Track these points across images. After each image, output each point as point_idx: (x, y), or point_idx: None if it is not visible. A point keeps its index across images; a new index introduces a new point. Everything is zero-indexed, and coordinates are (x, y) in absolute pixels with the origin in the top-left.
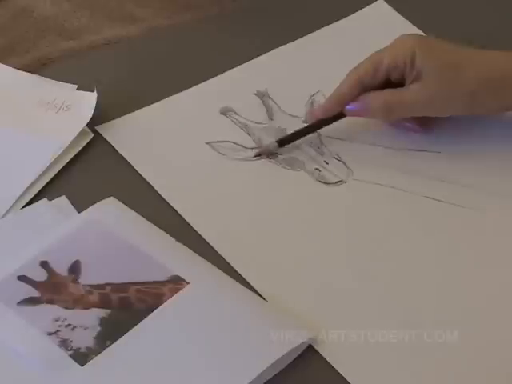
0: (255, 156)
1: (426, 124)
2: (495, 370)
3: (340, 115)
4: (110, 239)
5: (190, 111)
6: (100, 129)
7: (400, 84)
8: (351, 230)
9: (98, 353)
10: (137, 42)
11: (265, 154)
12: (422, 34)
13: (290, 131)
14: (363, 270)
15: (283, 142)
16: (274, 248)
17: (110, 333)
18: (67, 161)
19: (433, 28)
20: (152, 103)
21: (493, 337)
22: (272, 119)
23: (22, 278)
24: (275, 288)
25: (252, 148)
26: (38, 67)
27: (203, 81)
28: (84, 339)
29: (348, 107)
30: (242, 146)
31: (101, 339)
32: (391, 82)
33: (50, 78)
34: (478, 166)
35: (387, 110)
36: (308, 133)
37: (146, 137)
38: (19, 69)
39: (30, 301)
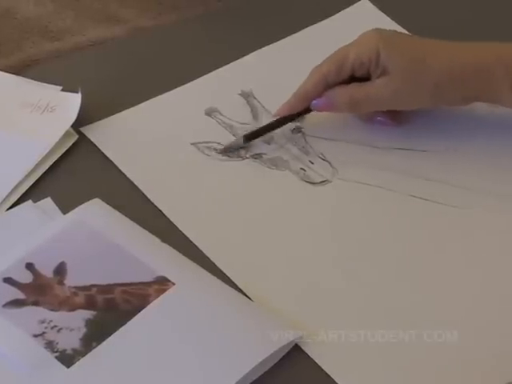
0: (222, 152)
1: (397, 118)
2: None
3: (306, 110)
4: (95, 240)
5: (175, 112)
6: (85, 130)
7: (365, 79)
8: (337, 230)
9: (84, 354)
10: (121, 42)
11: (232, 149)
12: (407, 32)
13: (274, 131)
14: (349, 269)
15: (250, 136)
16: (260, 248)
17: (95, 334)
18: (52, 162)
19: (417, 26)
20: (137, 104)
21: (481, 336)
22: (257, 119)
23: (8, 280)
24: (261, 288)
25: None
26: (22, 68)
27: (188, 81)
28: (70, 341)
29: (314, 102)
30: None
31: (87, 341)
32: (356, 77)
33: (34, 79)
34: (463, 165)
35: (353, 105)
36: (274, 128)
37: (131, 138)
38: (3, 70)
39: (16, 303)
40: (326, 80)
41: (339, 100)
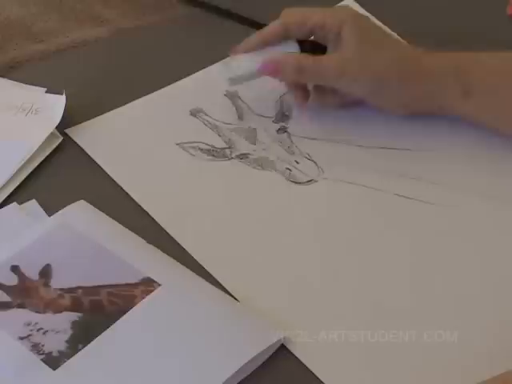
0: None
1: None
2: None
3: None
4: (80, 242)
5: (160, 112)
6: (70, 132)
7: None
8: (323, 230)
9: (70, 356)
10: (105, 43)
11: None
12: (393, 33)
13: (259, 131)
14: (336, 269)
15: None
16: (246, 248)
17: (81, 336)
18: (37, 164)
19: (401, 26)
20: (122, 105)
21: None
22: (242, 120)
23: None
24: (247, 288)
25: (222, 148)
26: (6, 70)
27: (173, 82)
28: (56, 343)
29: (259, 67)
30: (213, 147)
31: (73, 343)
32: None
33: (18, 81)
34: (447, 164)
35: (298, 71)
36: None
37: (116, 139)
38: None
39: (1, 305)
40: (286, 30)
41: (286, 64)
